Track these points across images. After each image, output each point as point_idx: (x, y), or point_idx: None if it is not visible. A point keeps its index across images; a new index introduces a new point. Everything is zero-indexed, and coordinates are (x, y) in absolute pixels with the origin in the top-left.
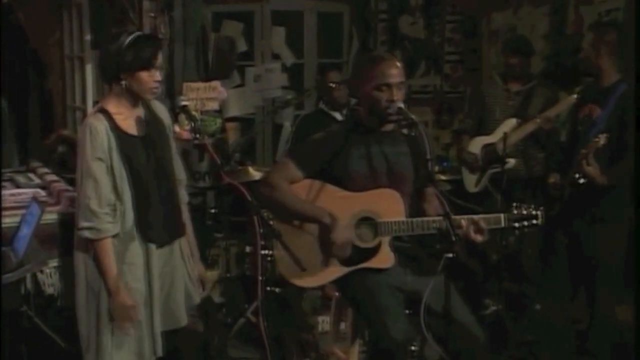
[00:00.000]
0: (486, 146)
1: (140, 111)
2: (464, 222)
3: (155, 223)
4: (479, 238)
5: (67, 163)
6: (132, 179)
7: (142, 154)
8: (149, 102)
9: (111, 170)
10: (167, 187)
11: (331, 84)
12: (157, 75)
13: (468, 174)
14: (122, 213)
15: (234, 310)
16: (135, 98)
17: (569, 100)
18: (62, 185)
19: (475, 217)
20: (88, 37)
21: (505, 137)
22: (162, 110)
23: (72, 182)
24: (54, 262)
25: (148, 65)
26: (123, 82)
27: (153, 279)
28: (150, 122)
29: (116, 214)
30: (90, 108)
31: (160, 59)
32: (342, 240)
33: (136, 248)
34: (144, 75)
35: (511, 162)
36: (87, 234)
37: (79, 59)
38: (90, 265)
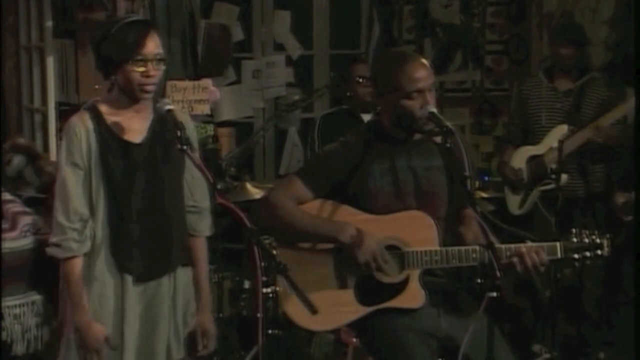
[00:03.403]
0: (532, 159)
1: (147, 114)
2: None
3: (135, 251)
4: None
5: (23, 178)
6: (110, 194)
7: (134, 166)
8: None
9: (89, 180)
10: (162, 211)
11: (359, 79)
12: (149, 68)
13: (510, 193)
14: (94, 232)
15: (228, 358)
16: (130, 97)
17: (627, 106)
18: (17, 206)
19: (523, 246)
20: (49, 24)
21: (558, 146)
22: (182, 120)
23: (30, 202)
24: (10, 301)
25: (132, 56)
26: (113, 77)
27: (127, 320)
28: (159, 129)
29: (85, 231)
30: (52, 109)
31: (153, 48)
32: (371, 257)
33: (108, 277)
34: (129, 68)
35: (563, 178)
36: (51, 250)
37: (38, 49)
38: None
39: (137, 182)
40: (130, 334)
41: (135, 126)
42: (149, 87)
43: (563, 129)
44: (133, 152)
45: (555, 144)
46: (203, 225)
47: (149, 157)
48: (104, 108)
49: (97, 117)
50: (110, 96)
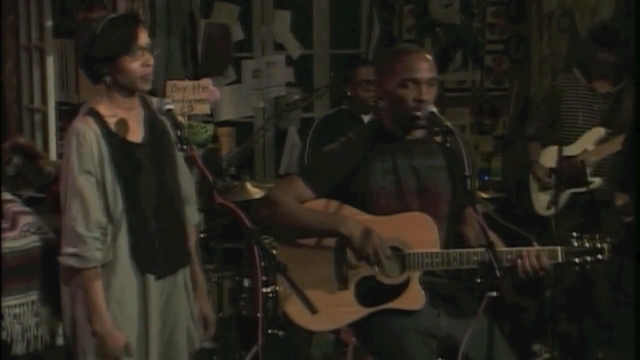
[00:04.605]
0: (564, 159)
1: (138, 112)
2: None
3: (154, 249)
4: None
5: (23, 178)
6: (127, 196)
7: (141, 164)
8: (150, 102)
9: (102, 186)
10: (171, 205)
11: (364, 82)
12: (146, 58)
13: (539, 192)
14: (114, 238)
15: (227, 357)
16: (129, 94)
17: None
18: (17, 206)
19: (524, 249)
20: (49, 23)
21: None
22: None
23: (30, 201)
24: (9, 301)
25: (127, 49)
26: (107, 78)
27: (151, 319)
28: (151, 125)
29: (107, 239)
30: (52, 109)
31: (145, 38)
32: (372, 249)
33: (129, 280)
34: (126, 62)
35: (597, 181)
36: (71, 261)
37: (38, 49)
38: (82, 300)
39: (148, 182)
40: (155, 332)
41: (132, 125)
42: (150, 76)
43: (600, 131)
44: (138, 152)
45: (590, 146)
46: (191, 214)
47: (152, 155)
48: (103, 110)
49: (101, 121)
50: (103, 98)
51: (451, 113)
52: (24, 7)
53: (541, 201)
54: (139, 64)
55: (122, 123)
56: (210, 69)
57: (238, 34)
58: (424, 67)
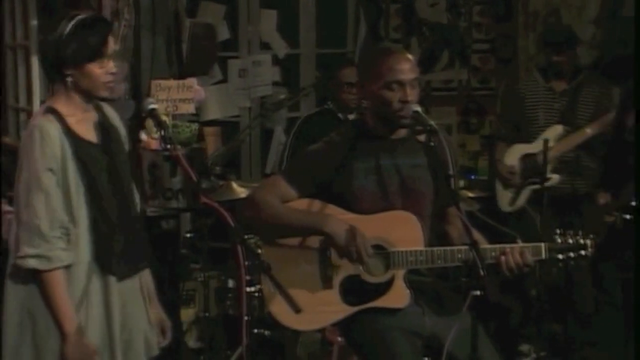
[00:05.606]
0: (525, 157)
1: (93, 114)
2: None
3: (116, 250)
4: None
5: (9, 178)
6: (90, 195)
7: (101, 164)
8: (101, 106)
9: (65, 185)
10: (129, 207)
11: (347, 84)
12: (111, 66)
13: (502, 189)
14: (76, 238)
15: (213, 357)
16: (87, 97)
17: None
18: (3, 206)
19: (507, 246)
20: (34, 22)
21: (546, 146)
22: (115, 117)
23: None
24: None
25: (97, 56)
26: (68, 79)
27: (113, 321)
28: (106, 128)
29: (69, 238)
30: (37, 108)
31: (112, 45)
32: (354, 248)
33: (92, 282)
34: (93, 68)
35: (554, 178)
36: (33, 263)
37: (23, 48)
38: (37, 302)
39: (110, 182)
40: (118, 335)
41: (88, 127)
42: (111, 84)
43: (557, 129)
44: (97, 152)
45: (550, 143)
46: None
47: (110, 157)
48: (62, 109)
49: (60, 119)
50: (61, 97)
51: (438, 112)
52: (8, 5)
53: (504, 198)
54: (104, 72)
55: (82, 122)
56: (195, 69)
57: (224, 33)
58: (407, 68)
